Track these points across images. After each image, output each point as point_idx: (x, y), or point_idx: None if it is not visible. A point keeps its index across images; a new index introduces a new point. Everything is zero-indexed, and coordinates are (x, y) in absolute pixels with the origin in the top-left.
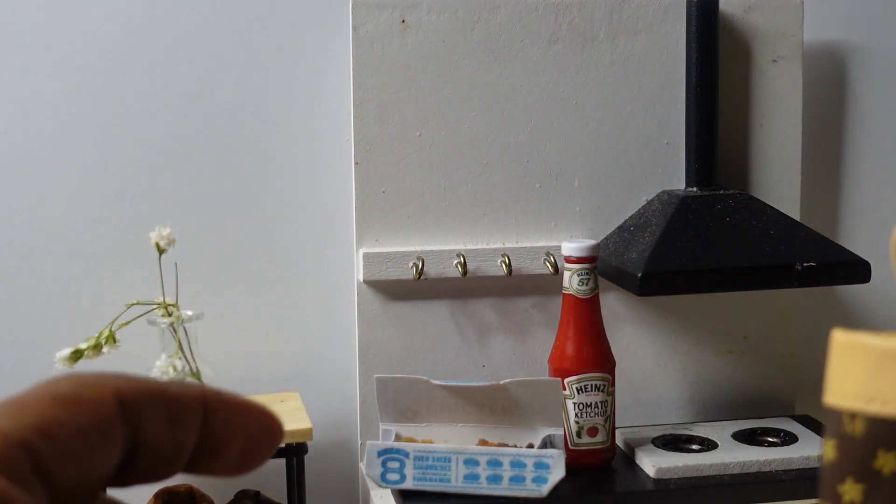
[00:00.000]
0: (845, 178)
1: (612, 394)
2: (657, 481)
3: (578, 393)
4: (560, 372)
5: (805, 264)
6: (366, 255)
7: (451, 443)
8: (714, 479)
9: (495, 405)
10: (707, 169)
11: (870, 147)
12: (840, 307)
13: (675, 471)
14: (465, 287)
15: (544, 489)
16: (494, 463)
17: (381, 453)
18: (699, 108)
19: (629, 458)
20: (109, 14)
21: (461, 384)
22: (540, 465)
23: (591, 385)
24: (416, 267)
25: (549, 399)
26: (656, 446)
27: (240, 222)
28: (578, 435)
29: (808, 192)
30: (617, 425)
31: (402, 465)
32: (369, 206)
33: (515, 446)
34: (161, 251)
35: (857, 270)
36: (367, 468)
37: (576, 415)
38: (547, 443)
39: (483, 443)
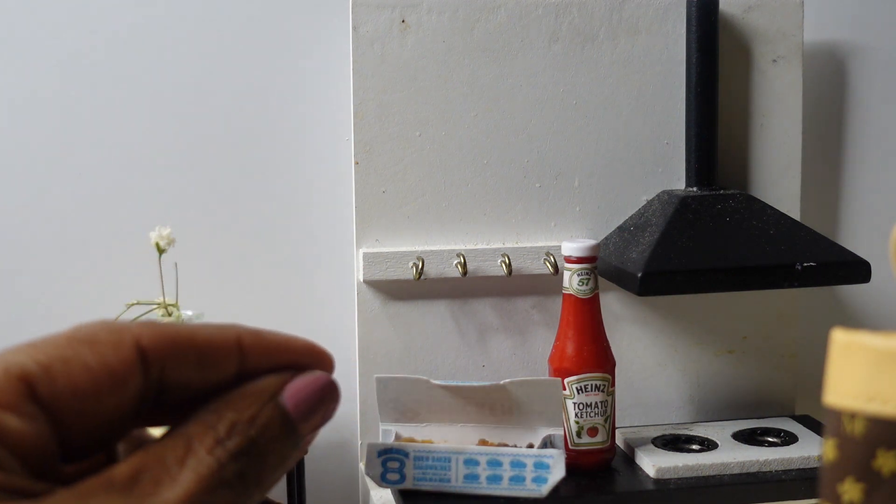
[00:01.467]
0: (845, 178)
1: (612, 394)
2: (657, 481)
3: (578, 393)
4: (560, 372)
5: (805, 264)
6: (366, 255)
7: (451, 443)
8: (714, 479)
9: (495, 405)
10: (707, 169)
11: (870, 147)
12: (840, 307)
13: (675, 471)
14: (465, 287)
15: (544, 489)
16: (494, 463)
17: (380, 453)
18: (699, 108)
19: (629, 458)
20: (110, 14)
21: (461, 384)
22: (540, 465)
23: (591, 385)
24: (416, 267)
25: (549, 399)
26: (656, 446)
27: (240, 222)
28: (578, 435)
29: (808, 192)
30: (617, 425)
31: (402, 465)
32: (369, 206)
33: (515, 446)
34: (161, 251)
35: (857, 270)
36: (366, 468)
37: (576, 415)
38: (547, 443)
39: (483, 443)
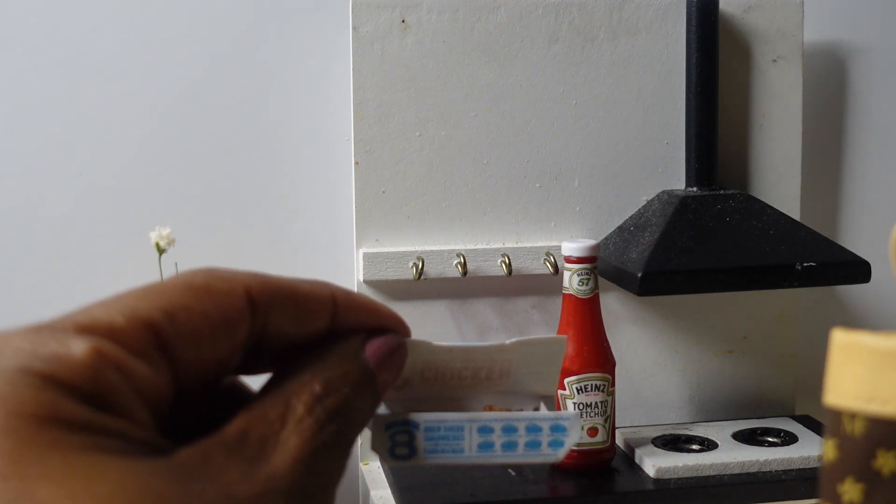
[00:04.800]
0: (845, 178)
1: (612, 394)
2: (657, 481)
3: (578, 393)
4: (560, 372)
5: (805, 264)
6: (366, 255)
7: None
8: (714, 479)
9: (493, 367)
10: (707, 169)
11: (870, 147)
12: (840, 307)
13: (675, 471)
14: (465, 287)
15: (560, 453)
16: (510, 429)
17: (388, 426)
18: (699, 108)
19: (629, 458)
20: (110, 14)
21: (462, 344)
22: (556, 429)
23: (591, 385)
24: (416, 267)
25: (549, 359)
26: (656, 446)
27: (240, 222)
28: None
29: (808, 192)
30: (617, 425)
31: (412, 437)
32: (369, 206)
33: (521, 410)
34: (161, 251)
35: (857, 270)
36: (372, 443)
37: None
38: (538, 409)
39: (489, 408)
